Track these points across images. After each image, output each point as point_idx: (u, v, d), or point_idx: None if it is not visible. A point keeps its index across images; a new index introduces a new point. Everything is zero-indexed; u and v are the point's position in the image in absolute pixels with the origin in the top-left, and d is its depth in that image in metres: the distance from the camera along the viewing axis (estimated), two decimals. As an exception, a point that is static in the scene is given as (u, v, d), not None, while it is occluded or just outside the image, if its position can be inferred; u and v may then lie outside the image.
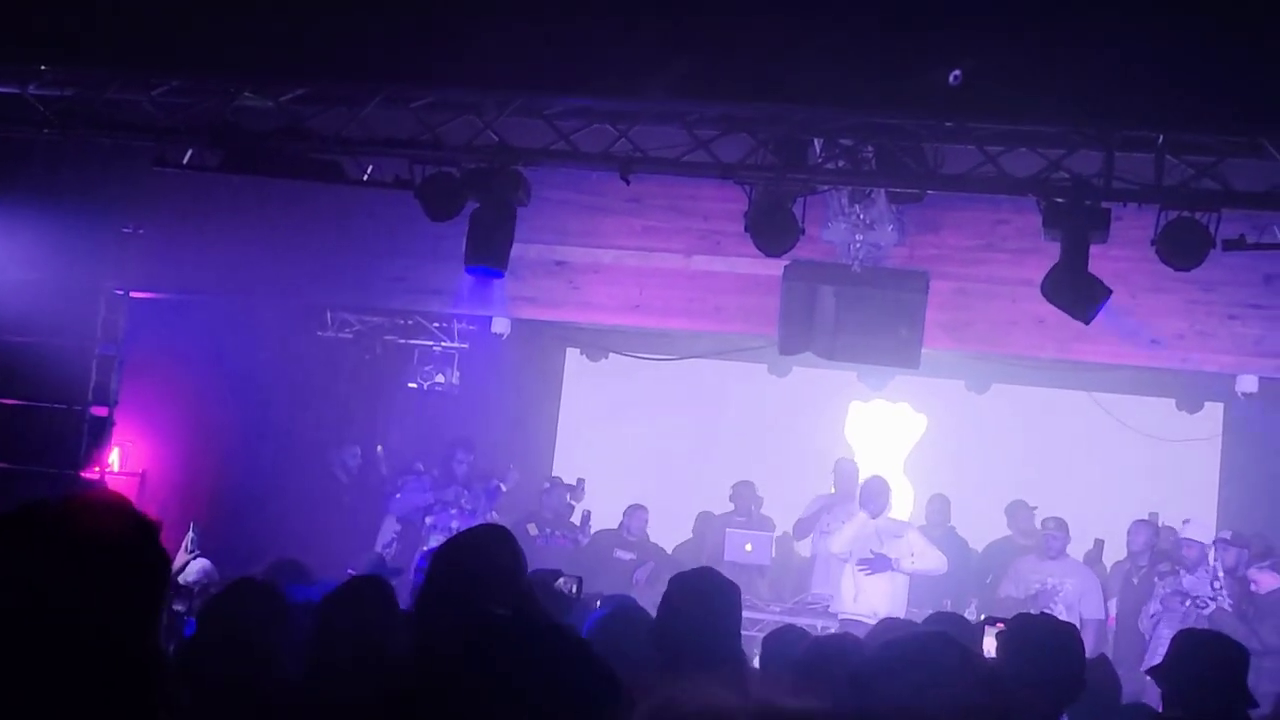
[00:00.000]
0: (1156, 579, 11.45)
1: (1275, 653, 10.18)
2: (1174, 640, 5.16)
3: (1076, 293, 8.74)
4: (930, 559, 11.47)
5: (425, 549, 11.76)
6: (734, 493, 13.19)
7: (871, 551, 11.33)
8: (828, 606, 11.66)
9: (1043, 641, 4.40)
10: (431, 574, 4.21)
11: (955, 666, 2.65)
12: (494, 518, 12.30)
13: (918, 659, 2.74)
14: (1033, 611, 10.33)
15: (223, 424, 12.79)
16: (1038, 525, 12.17)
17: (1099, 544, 12.73)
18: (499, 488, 12.69)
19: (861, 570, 11.28)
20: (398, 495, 12.56)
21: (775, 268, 10.21)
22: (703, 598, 4.55)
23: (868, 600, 11.09)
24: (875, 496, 11.61)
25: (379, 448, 14.10)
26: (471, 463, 12.59)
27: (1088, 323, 9.03)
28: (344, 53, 8.69)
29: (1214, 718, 4.61)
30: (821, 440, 13.96)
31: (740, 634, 4.77)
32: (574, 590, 5.77)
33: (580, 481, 13.32)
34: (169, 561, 3.26)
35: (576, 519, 12.97)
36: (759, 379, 13.79)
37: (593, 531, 13.00)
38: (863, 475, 12.51)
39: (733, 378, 14.02)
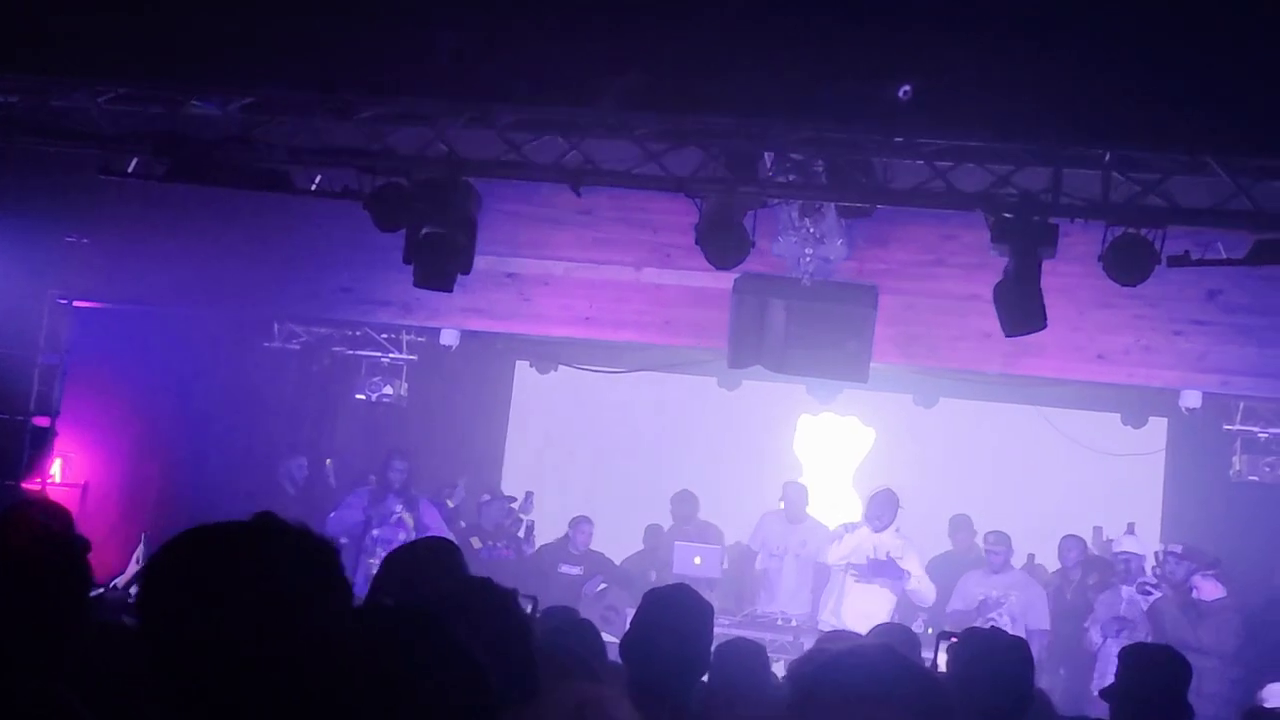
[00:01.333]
0: (1090, 593, 11.58)
1: (1212, 654, 10.34)
2: (1121, 656, 5.19)
3: (1015, 309, 8.79)
4: (926, 587, 11.42)
5: (371, 561, 11.74)
6: (673, 505, 13.18)
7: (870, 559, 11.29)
8: (777, 620, 11.66)
9: (992, 655, 4.41)
10: (374, 588, 4.18)
11: (897, 679, 2.64)
12: (443, 530, 12.24)
13: (860, 672, 2.73)
14: (977, 622, 10.49)
15: (167, 435, 12.67)
16: (979, 540, 12.26)
17: (1031, 558, 12.87)
18: (445, 503, 12.63)
19: (857, 577, 11.20)
20: (332, 514, 12.43)
21: (726, 281, 10.22)
22: (677, 616, 4.56)
23: (855, 613, 11.04)
24: (881, 511, 11.53)
25: (328, 461, 14.00)
26: (408, 471, 12.52)
27: (1007, 335, 9.08)
28: (293, 62, 8.62)
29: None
30: (771, 453, 14.01)
31: (710, 652, 4.79)
32: (531, 609, 5.74)
33: (529, 495, 13.29)
34: (86, 584, 3.21)
35: (522, 532, 12.93)
36: (709, 392, 13.81)
37: (538, 544, 12.97)
38: (813, 487, 12.54)
39: (683, 391, 14.03)
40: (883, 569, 11.27)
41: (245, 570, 2.15)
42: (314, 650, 2.14)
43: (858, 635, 6.54)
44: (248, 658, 2.10)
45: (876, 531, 11.43)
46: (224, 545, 2.19)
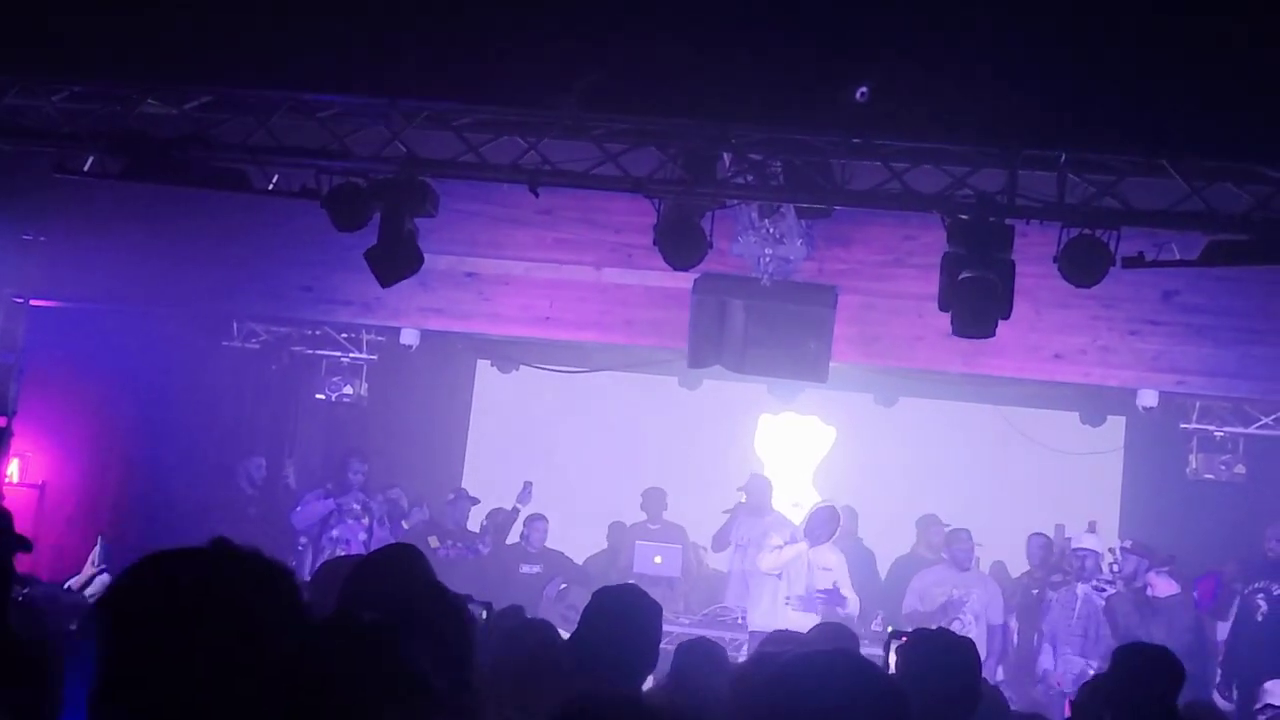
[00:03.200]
0: (1049, 590, 11.68)
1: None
2: (1114, 654, 5.18)
3: (971, 309, 8.80)
4: (851, 601, 11.36)
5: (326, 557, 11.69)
6: (644, 500, 13.23)
7: (817, 590, 11.23)
8: (738, 619, 11.68)
9: (940, 655, 4.44)
10: (341, 595, 4.16)
11: (861, 690, 2.65)
12: (403, 528, 12.22)
13: (825, 683, 2.75)
14: (942, 622, 10.54)
15: (126, 435, 12.60)
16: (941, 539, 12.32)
17: (999, 564, 12.97)
18: (399, 498, 12.55)
19: (800, 608, 11.12)
20: (298, 508, 12.42)
21: (686, 281, 10.24)
22: (623, 615, 4.60)
23: (784, 619, 11.05)
24: (821, 528, 11.42)
25: (288, 462, 13.95)
26: (366, 473, 12.50)
27: (954, 333, 9.06)
28: (250, 60, 8.59)
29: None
30: (732, 452, 14.03)
31: (658, 651, 4.81)
32: (484, 616, 5.74)
33: (527, 485, 13.15)
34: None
35: (519, 524, 12.89)
36: (670, 392, 13.82)
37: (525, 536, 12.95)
38: (779, 489, 12.57)
39: (644, 390, 14.03)
40: (829, 600, 11.21)
41: (202, 595, 2.20)
42: (268, 668, 2.20)
43: (799, 635, 6.55)
44: (205, 679, 2.15)
45: (813, 546, 11.36)
46: (182, 570, 2.25)
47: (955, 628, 11.00)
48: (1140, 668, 4.85)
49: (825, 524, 11.44)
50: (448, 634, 3.60)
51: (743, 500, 12.81)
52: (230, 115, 9.19)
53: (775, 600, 11.28)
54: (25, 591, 4.81)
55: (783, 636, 6.75)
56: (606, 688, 3.99)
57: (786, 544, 11.45)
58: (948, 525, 12.45)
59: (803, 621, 10.97)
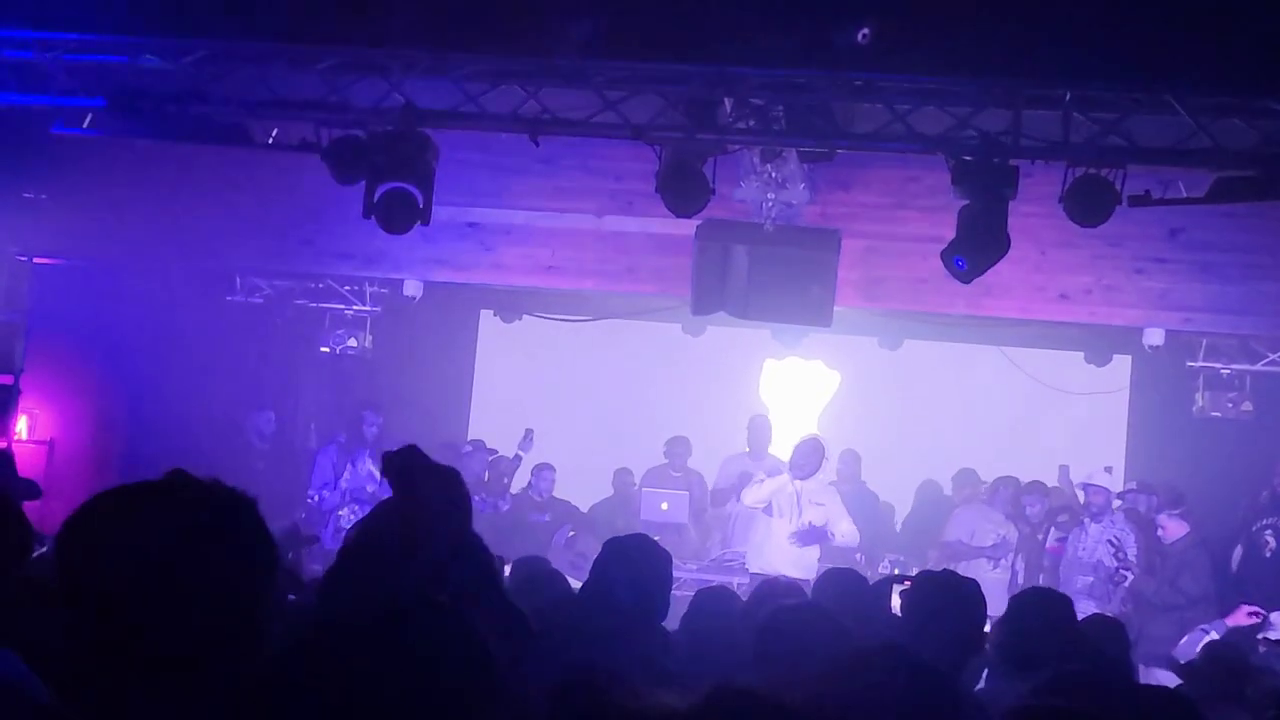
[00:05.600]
0: (1054, 528, 11.69)
1: (1199, 602, 10.45)
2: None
3: (975, 248, 8.78)
4: (847, 531, 11.29)
5: (341, 513, 11.75)
6: (668, 447, 13.20)
7: (805, 522, 11.24)
8: (744, 564, 11.71)
9: (945, 598, 4.45)
10: (353, 550, 4.14)
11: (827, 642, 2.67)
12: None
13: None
14: (991, 569, 10.64)
15: (132, 391, 12.62)
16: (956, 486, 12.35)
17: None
18: None
19: (793, 542, 11.20)
20: (320, 487, 12.32)
21: (688, 227, 10.20)
22: (634, 564, 4.61)
23: (782, 557, 11.08)
24: (805, 459, 11.35)
25: (311, 424, 13.98)
26: (381, 425, 12.50)
27: (959, 277, 9.03)
28: (246, 13, 8.53)
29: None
30: (736, 398, 14.01)
31: (669, 599, 4.83)
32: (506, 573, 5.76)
33: (529, 432, 13.15)
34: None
35: (525, 472, 12.91)
36: (674, 339, 13.80)
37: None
38: (779, 431, 12.55)
39: (647, 338, 14.01)
40: (808, 537, 11.21)
41: (153, 527, 2.20)
42: (232, 595, 2.20)
43: (793, 584, 6.55)
44: (160, 609, 2.14)
45: (800, 479, 11.33)
46: (131, 503, 2.25)
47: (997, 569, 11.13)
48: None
49: (809, 456, 11.38)
50: (509, 608, 3.61)
51: (747, 450, 12.81)
52: (228, 69, 9.13)
53: (770, 537, 11.25)
54: (43, 551, 4.82)
55: (773, 585, 6.80)
56: (614, 655, 3.99)
57: (767, 478, 11.48)
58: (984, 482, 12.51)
59: (805, 557, 11.06)
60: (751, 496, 11.44)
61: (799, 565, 10.79)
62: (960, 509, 12.13)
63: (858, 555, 11.59)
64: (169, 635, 2.16)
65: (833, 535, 11.22)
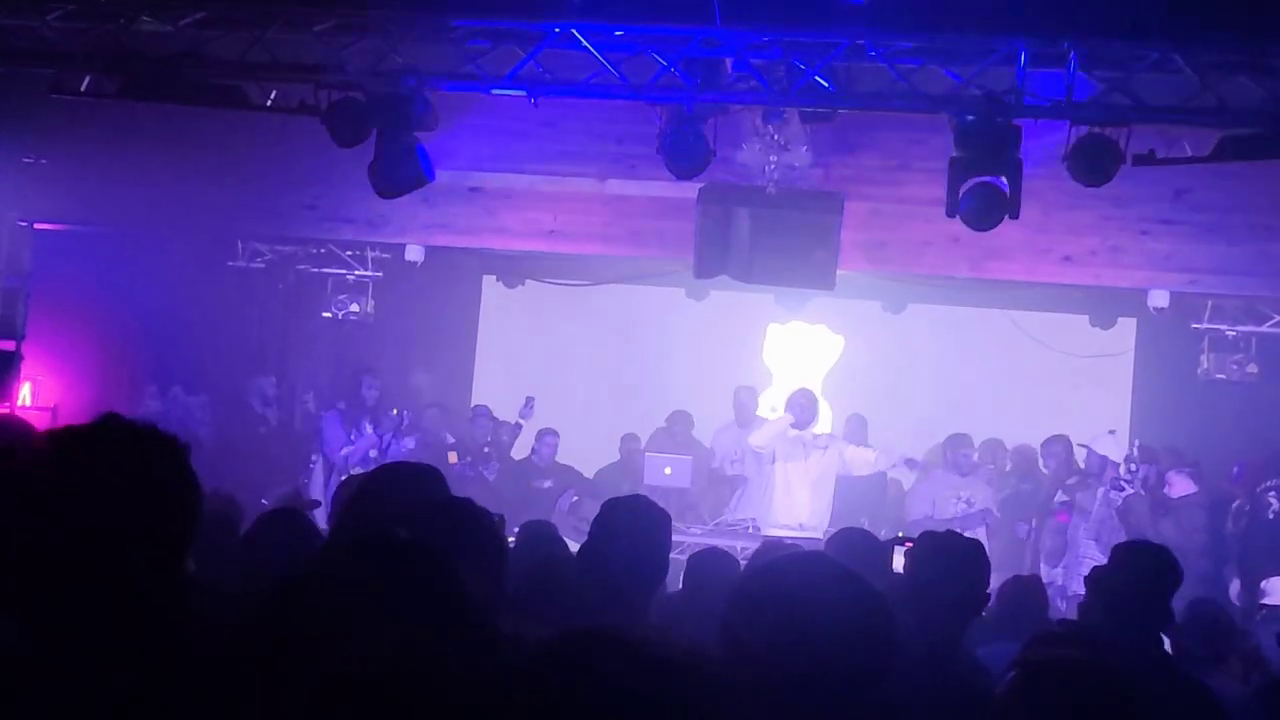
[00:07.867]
0: (1060, 490, 11.65)
1: (1173, 549, 10.41)
2: (1113, 551, 5.16)
3: (981, 203, 8.72)
4: (863, 458, 11.42)
5: (342, 478, 11.69)
6: (669, 423, 13.20)
7: (812, 465, 11.26)
8: (748, 527, 11.68)
9: (947, 558, 4.42)
10: (351, 506, 4.14)
11: (830, 588, 2.63)
12: (409, 445, 12.17)
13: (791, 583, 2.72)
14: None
15: (135, 356, 12.61)
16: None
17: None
18: (403, 415, 12.46)
19: (805, 487, 11.20)
20: (342, 450, 12.27)
21: (690, 191, 10.14)
22: (632, 524, 4.60)
23: (795, 509, 11.10)
24: (801, 408, 11.41)
25: (310, 391, 13.94)
26: (380, 389, 12.47)
27: (972, 225, 8.97)
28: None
29: (1129, 630, 4.60)
30: (740, 363, 13.97)
31: (668, 560, 4.81)
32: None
33: (529, 400, 13.14)
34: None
35: (527, 438, 12.88)
36: (677, 303, 13.76)
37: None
38: (782, 396, 12.52)
39: (650, 302, 13.97)
40: (822, 481, 11.25)
41: (74, 469, 2.23)
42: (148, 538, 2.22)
43: (795, 546, 6.53)
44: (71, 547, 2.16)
45: (797, 426, 11.37)
46: (56, 447, 2.29)
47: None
48: (1136, 563, 4.81)
49: (806, 407, 11.43)
50: (487, 549, 3.58)
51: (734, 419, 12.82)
52: (225, 31, 9.07)
53: (782, 487, 11.29)
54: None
55: (774, 544, 6.79)
56: (609, 617, 3.96)
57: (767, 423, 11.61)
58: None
59: (817, 506, 11.09)
60: (758, 438, 11.49)
61: (814, 513, 10.93)
62: (916, 483, 12.05)
63: (863, 519, 11.57)
64: (75, 574, 2.17)
65: (850, 466, 11.28)
